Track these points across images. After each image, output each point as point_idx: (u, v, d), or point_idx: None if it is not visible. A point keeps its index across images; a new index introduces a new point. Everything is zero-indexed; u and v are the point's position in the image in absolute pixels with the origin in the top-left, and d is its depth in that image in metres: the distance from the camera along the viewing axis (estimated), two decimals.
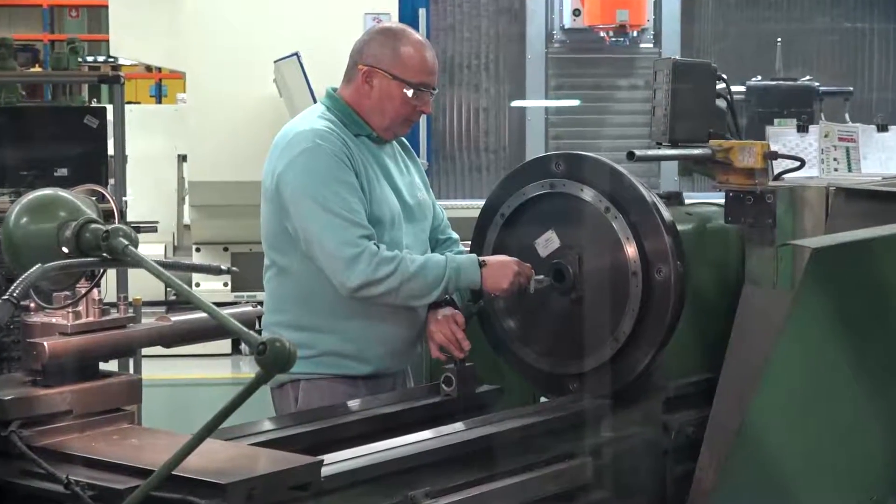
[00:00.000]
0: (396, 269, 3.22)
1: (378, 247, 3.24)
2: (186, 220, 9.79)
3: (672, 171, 7.76)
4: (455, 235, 3.63)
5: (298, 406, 3.34)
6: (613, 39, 8.91)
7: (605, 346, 3.25)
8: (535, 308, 3.39)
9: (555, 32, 9.03)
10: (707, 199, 3.93)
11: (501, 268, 3.32)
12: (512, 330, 3.44)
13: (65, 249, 2.27)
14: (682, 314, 3.22)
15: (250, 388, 1.96)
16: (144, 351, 4.27)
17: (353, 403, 3.19)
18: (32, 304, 2.40)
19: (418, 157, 3.67)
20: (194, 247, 9.57)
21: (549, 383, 3.41)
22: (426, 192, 3.57)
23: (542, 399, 3.54)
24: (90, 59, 12.27)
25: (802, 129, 3.96)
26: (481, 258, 3.35)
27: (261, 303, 3.38)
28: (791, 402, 2.83)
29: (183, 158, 9.68)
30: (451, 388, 3.27)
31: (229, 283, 9.27)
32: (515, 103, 9.05)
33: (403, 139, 3.60)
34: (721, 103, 3.95)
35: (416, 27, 5.11)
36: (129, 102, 10.85)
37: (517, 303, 3.41)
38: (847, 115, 6.30)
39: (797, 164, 3.64)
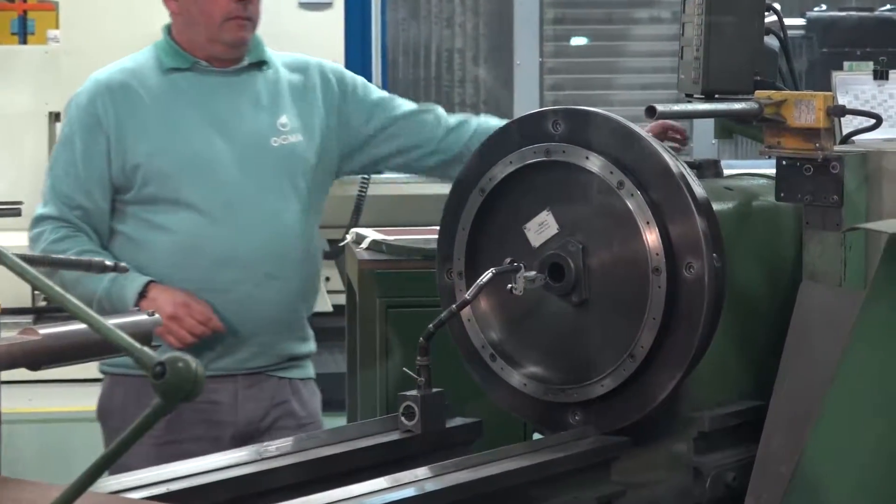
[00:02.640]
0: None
1: (70, 230, 3.79)
2: None
3: (707, 132, 7.78)
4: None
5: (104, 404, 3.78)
6: None
7: (619, 366, 3.27)
8: (526, 315, 3.40)
9: None
10: (753, 170, 3.96)
11: (159, 304, 3.67)
12: (494, 344, 3.45)
13: None
14: (718, 323, 3.25)
15: (146, 423, 1.97)
16: (3, 375, 4.26)
17: (284, 442, 3.20)
18: None
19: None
20: None
21: (544, 415, 3.43)
22: (306, 132, 3.82)
23: (536, 435, 3.56)
24: None
25: (881, 75, 3.98)
26: (153, 285, 3.73)
27: None
28: (862, 433, 2.85)
29: (56, 117, 9.66)
30: (413, 422, 3.29)
31: None
32: (508, 44, 9.07)
33: (331, 69, 3.90)
34: (772, 42, 3.97)
35: None
36: None
37: (502, 309, 3.43)
38: None
39: (873, 121, 3.67)
